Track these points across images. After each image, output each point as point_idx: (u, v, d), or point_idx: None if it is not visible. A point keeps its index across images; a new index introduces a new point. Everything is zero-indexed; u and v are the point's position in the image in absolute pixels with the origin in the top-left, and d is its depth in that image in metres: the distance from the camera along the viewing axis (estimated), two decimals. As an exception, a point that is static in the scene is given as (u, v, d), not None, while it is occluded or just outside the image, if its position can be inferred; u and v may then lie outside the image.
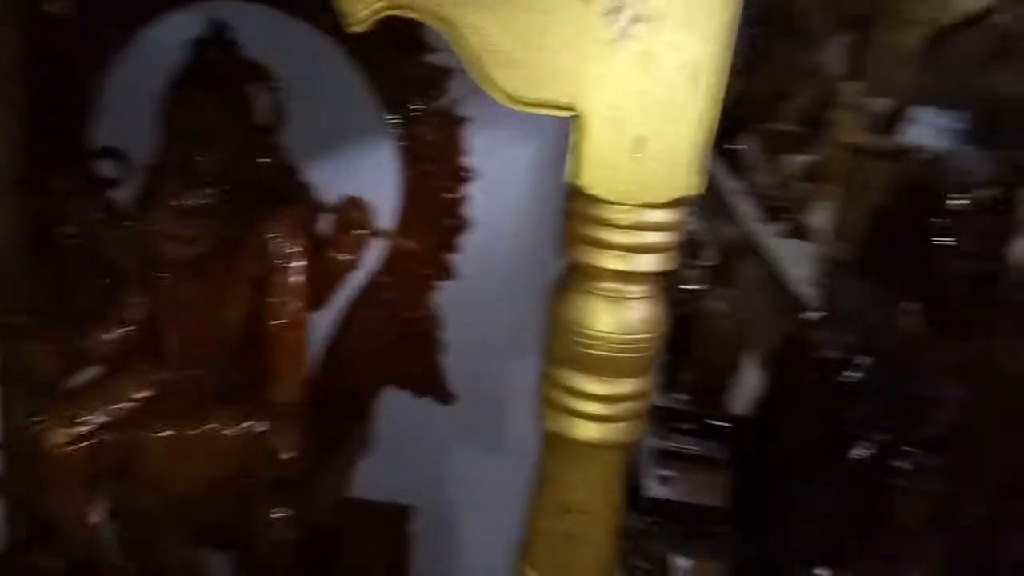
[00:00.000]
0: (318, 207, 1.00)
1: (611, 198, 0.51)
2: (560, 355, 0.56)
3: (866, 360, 0.86)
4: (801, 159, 1.18)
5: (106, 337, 0.99)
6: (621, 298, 0.54)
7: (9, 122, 1.29)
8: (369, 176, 1.04)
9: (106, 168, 1.00)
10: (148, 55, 1.06)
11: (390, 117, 1.03)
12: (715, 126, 0.50)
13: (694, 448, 1.22)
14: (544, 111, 0.51)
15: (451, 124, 1.03)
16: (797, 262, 1.20)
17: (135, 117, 0.97)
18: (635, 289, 0.54)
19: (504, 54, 0.49)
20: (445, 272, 1.08)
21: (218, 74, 0.95)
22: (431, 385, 1.12)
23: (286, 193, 1.00)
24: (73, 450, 0.92)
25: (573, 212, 0.53)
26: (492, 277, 1.15)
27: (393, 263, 1.07)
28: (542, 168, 1.15)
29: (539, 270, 1.17)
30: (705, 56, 0.48)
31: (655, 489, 1.51)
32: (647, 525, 1.45)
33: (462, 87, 1.01)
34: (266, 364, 0.97)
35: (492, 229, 1.09)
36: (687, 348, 1.32)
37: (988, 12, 0.91)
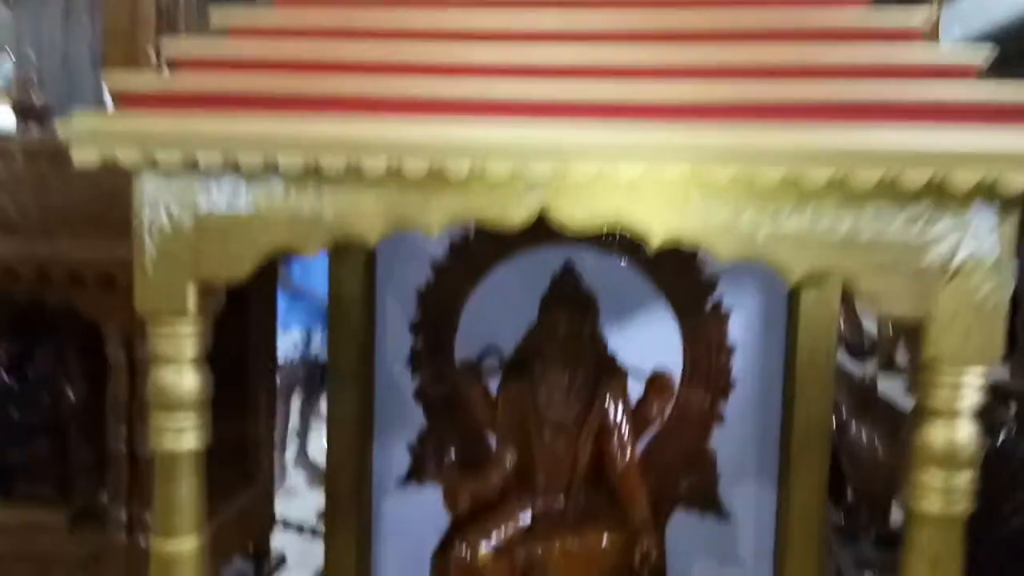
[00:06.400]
0: (635, 377, 1.37)
1: (950, 363, 0.86)
2: (920, 458, 0.89)
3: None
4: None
5: (494, 479, 1.34)
6: (952, 423, 0.88)
7: (352, 337, 1.71)
8: (664, 354, 1.41)
9: (489, 361, 1.39)
10: (493, 285, 1.49)
11: (676, 314, 1.42)
12: (1006, 321, 0.86)
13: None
14: (907, 320, 0.88)
15: (718, 316, 1.41)
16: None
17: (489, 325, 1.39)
18: (961, 417, 0.88)
19: (890, 295, 0.86)
20: (717, 419, 1.42)
21: (571, 295, 1.36)
22: (712, 505, 1.43)
23: (612, 371, 1.37)
24: (496, 561, 1.25)
25: (926, 372, 0.88)
26: (747, 422, 1.48)
27: (680, 412, 1.42)
28: (780, 346, 1.50)
29: (778, 417, 1.50)
30: (999, 286, 0.85)
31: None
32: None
33: (726, 290, 1.41)
34: (616, 494, 1.30)
35: (747, 386, 1.45)
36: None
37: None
